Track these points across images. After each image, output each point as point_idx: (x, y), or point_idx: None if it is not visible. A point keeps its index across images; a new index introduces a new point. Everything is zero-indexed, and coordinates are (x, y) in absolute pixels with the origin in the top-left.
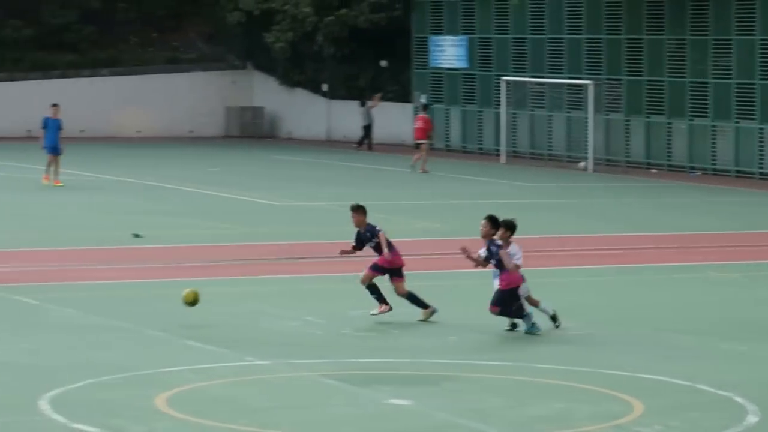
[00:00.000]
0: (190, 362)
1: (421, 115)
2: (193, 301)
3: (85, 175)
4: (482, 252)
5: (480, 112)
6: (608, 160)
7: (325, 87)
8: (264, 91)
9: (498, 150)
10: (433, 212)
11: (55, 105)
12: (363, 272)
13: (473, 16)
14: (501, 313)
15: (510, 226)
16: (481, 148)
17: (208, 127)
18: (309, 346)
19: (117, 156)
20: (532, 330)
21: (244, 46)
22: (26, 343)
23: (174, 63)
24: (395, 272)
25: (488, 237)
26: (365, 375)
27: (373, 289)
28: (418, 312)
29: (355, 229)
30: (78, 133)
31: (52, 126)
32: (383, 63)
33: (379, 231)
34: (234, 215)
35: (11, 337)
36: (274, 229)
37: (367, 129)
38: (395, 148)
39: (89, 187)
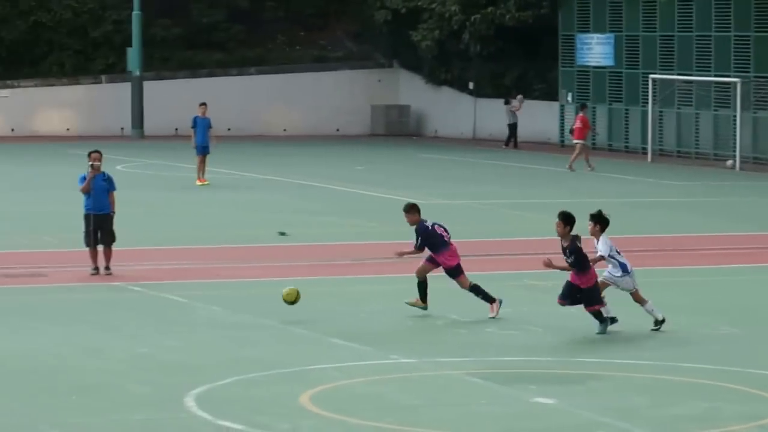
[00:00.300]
0: (335, 360)
1: (580, 114)
2: (294, 300)
3: (232, 173)
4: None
5: (626, 110)
6: (756, 159)
7: (471, 85)
8: (410, 90)
9: (644, 148)
10: (577, 211)
11: (203, 104)
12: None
13: (620, 13)
14: (595, 315)
15: (598, 220)
16: (627, 147)
17: (354, 126)
18: (454, 345)
19: (264, 154)
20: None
21: (390, 45)
22: (173, 341)
23: (321, 61)
24: (450, 272)
25: (565, 236)
26: (510, 373)
27: (423, 285)
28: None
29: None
30: (225, 132)
31: (201, 125)
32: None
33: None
34: (379, 213)
35: (159, 334)
36: None
37: (513, 128)
38: (541, 146)
39: (236, 186)
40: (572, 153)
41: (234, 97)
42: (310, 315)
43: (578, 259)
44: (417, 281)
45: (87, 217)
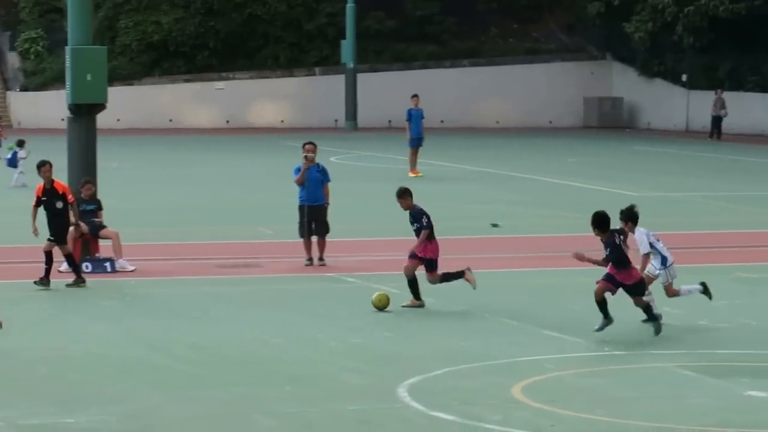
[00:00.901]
0: (546, 351)
1: None
2: (384, 306)
3: (445, 165)
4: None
5: None
6: None
7: (684, 77)
8: (623, 82)
9: None
10: None
11: (415, 96)
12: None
13: None
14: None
15: (629, 217)
16: None
17: (566, 118)
18: (665, 337)
19: (476, 146)
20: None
21: (603, 37)
22: (386, 331)
23: (534, 54)
24: (429, 264)
25: (603, 237)
26: (722, 366)
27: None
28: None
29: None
30: (438, 124)
31: (416, 116)
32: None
33: (425, 221)
34: (591, 206)
35: (372, 324)
36: None
37: (717, 120)
38: (753, 138)
39: (448, 178)
40: None
41: (447, 89)
42: (521, 307)
43: (614, 254)
44: (407, 281)
45: (301, 208)
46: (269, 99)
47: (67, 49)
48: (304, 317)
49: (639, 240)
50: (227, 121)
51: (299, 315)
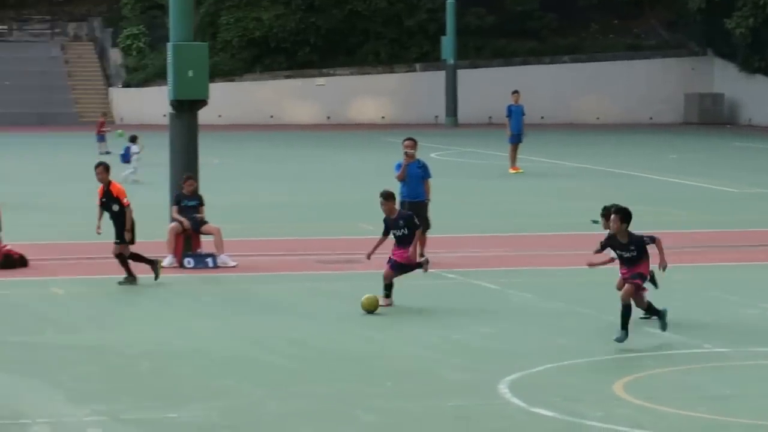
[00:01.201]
0: (648, 348)
1: None
2: (373, 310)
3: (545, 161)
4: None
5: None
6: None
7: None
8: (723, 78)
9: None
10: None
11: (515, 92)
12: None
13: None
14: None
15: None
16: None
17: (667, 114)
18: (766, 334)
19: (576, 143)
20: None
21: (704, 33)
22: (487, 327)
23: (634, 50)
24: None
25: (620, 232)
26: None
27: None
28: None
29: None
30: (538, 120)
31: (516, 113)
32: None
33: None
34: (690, 203)
35: (473, 321)
36: (734, 217)
37: None
38: None
39: (549, 174)
40: None
41: (547, 85)
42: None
43: (640, 252)
44: (384, 283)
45: (402, 204)
46: (370, 95)
47: (169, 45)
48: (403, 313)
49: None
50: (328, 117)
51: (399, 311)
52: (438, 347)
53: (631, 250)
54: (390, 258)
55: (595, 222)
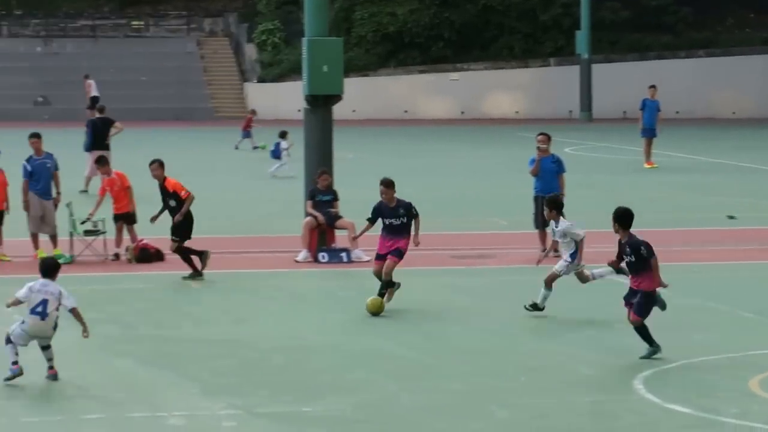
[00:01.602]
0: None
1: None
2: (377, 312)
3: (681, 156)
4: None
5: None
6: None
7: None
8: None
9: None
10: None
11: (652, 86)
12: (387, 262)
13: None
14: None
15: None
16: None
17: None
18: None
19: (711, 137)
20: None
21: None
22: (620, 323)
23: None
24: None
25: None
26: None
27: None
28: None
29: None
30: (673, 115)
31: (650, 107)
32: None
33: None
34: None
35: (606, 317)
36: None
37: None
38: None
39: (684, 169)
40: None
41: (682, 79)
42: (760, 299)
43: (639, 259)
44: (383, 281)
45: (536, 199)
46: (503, 90)
47: (304, 40)
48: (544, 311)
49: (564, 227)
50: (462, 112)
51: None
52: (572, 342)
53: (628, 254)
54: (378, 253)
55: (732, 217)
